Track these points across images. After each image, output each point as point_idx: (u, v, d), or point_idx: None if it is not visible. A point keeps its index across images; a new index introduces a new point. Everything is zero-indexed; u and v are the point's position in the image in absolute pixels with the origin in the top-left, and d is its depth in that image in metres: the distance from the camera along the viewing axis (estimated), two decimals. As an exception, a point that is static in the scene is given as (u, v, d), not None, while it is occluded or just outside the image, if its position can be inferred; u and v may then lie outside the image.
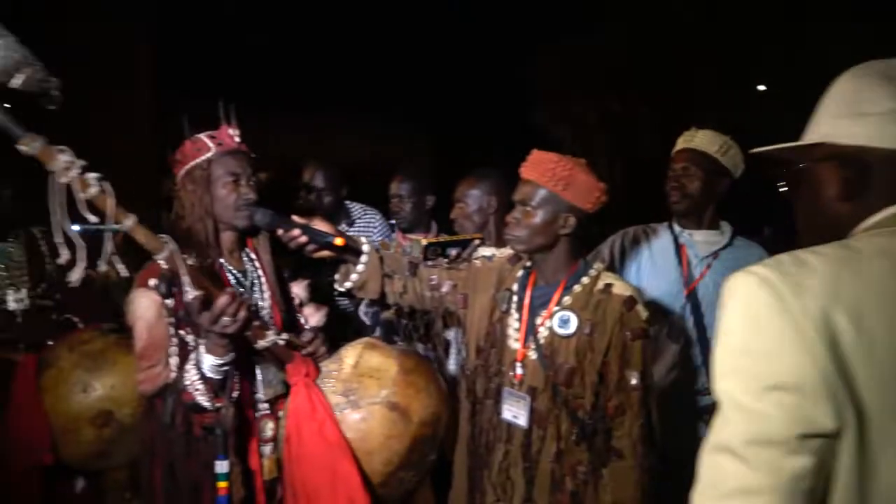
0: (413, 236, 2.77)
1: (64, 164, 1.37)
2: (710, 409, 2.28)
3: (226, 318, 1.52)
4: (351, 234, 2.15)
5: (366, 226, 3.07)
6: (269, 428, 1.82)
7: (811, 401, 0.81)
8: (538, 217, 1.77)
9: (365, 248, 1.93)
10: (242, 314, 1.55)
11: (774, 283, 0.86)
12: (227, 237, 1.84)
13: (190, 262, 1.63)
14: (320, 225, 1.85)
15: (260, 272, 1.89)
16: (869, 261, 0.87)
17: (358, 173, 3.17)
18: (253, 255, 1.90)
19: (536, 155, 1.81)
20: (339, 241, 1.82)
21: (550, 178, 1.74)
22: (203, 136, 1.80)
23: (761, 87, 16.54)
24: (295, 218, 1.84)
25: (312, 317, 1.99)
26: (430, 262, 2.14)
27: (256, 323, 1.68)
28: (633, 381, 1.72)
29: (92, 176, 1.40)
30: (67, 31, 4.53)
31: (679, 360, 2.35)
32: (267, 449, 1.81)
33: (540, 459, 1.77)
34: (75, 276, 1.41)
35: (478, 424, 1.87)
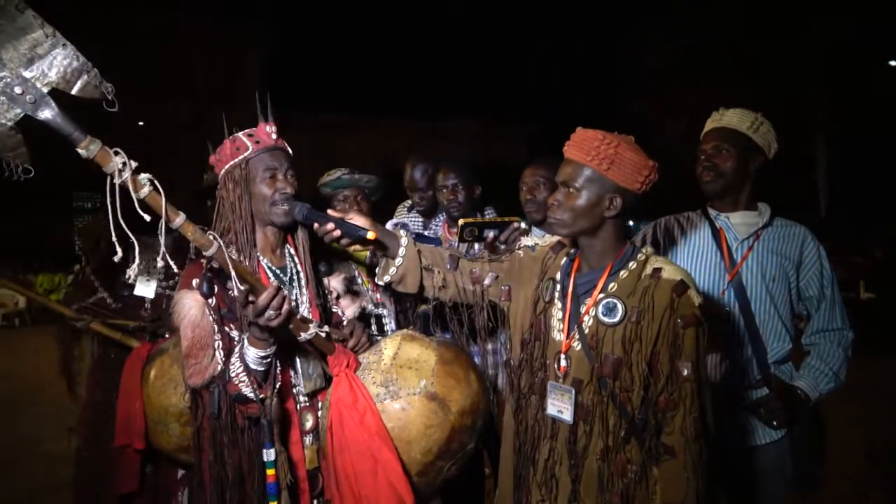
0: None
1: (118, 166, 1.42)
2: (761, 404, 2.10)
3: (270, 312, 1.55)
4: (390, 226, 2.13)
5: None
6: (309, 419, 1.84)
7: None
8: (582, 199, 1.66)
9: (403, 241, 1.90)
10: (286, 307, 1.58)
11: None
12: (269, 233, 1.87)
13: (214, 265, 1.68)
14: (356, 219, 1.85)
15: (299, 268, 1.91)
16: None
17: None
18: (293, 251, 1.92)
19: (580, 133, 1.69)
20: (371, 235, 1.80)
21: (595, 157, 1.63)
22: (241, 136, 1.83)
23: (893, 63, 15.30)
24: (330, 212, 1.84)
25: (348, 309, 2.00)
26: (467, 245, 2.08)
27: (298, 316, 1.70)
28: (686, 373, 1.58)
29: (144, 176, 1.45)
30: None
31: (727, 352, 2.17)
32: (308, 440, 1.84)
33: (587, 456, 1.66)
34: (130, 274, 1.47)
35: (523, 421, 1.79)
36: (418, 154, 3.15)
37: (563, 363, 1.71)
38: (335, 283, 2.01)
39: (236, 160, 1.81)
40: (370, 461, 1.64)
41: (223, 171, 1.84)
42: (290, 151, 1.90)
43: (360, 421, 1.65)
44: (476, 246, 2.21)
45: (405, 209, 3.27)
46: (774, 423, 2.11)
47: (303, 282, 1.90)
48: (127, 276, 1.54)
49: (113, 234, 1.39)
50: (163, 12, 22.41)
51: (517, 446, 1.80)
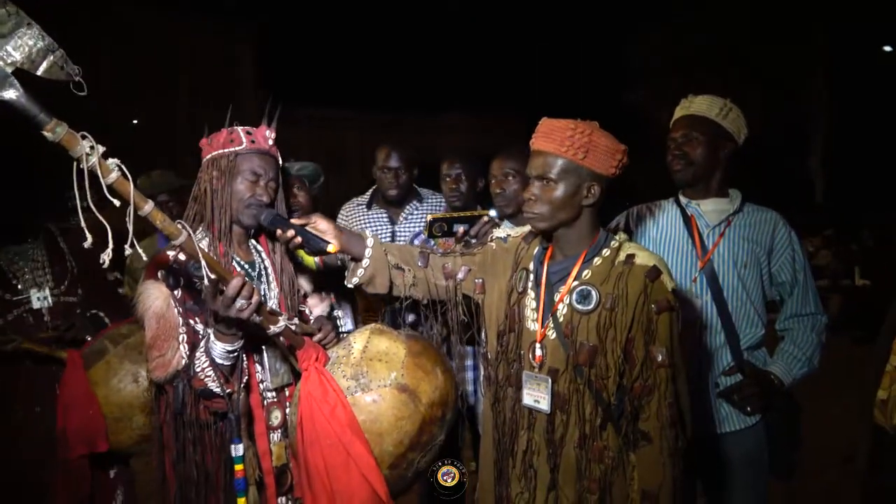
0: None
1: (86, 150, 1.37)
2: (735, 390, 2.10)
3: (241, 301, 1.52)
4: (356, 229, 2.12)
5: (430, 208, 3.11)
6: (277, 416, 1.82)
7: None
8: (559, 190, 1.64)
9: (368, 241, 1.88)
10: (256, 298, 1.55)
11: None
12: (235, 230, 1.85)
13: (181, 257, 1.66)
14: (320, 223, 1.83)
15: (267, 263, 1.89)
16: None
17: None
18: (260, 248, 1.91)
19: (548, 123, 1.67)
20: (332, 249, 1.79)
21: (570, 147, 1.61)
22: (240, 130, 1.82)
23: (888, 49, 15.28)
24: (294, 221, 1.83)
25: (316, 308, 1.99)
26: (435, 239, 2.07)
27: (267, 308, 1.67)
28: (660, 358, 1.58)
29: (112, 161, 1.41)
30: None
31: (700, 338, 2.17)
32: (275, 436, 1.82)
33: (564, 445, 1.66)
34: (105, 258, 1.41)
35: (500, 413, 1.78)
36: (392, 139, 3.14)
37: (538, 352, 1.70)
38: (302, 281, 2.00)
39: (227, 150, 1.80)
40: (342, 454, 1.63)
41: (210, 156, 1.82)
42: (280, 162, 1.89)
43: (330, 414, 1.63)
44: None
45: (360, 206, 3.14)
46: (748, 408, 2.11)
47: (271, 277, 1.88)
48: (101, 261, 1.48)
49: (81, 221, 1.35)
50: (157, 10, 22.25)
51: (496, 439, 1.79)
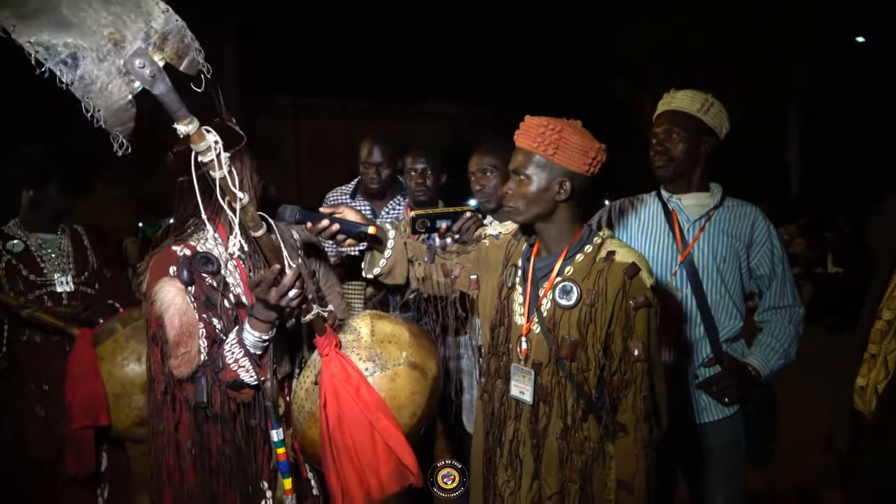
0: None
1: (211, 144, 1.43)
2: (713, 381, 2.16)
3: (294, 291, 1.58)
4: (379, 222, 2.15)
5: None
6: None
7: None
8: (532, 185, 1.70)
9: (391, 233, 1.93)
10: (306, 287, 1.61)
11: None
12: None
13: (186, 252, 1.72)
14: (349, 213, 1.87)
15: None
16: None
17: (450, 155, 3.20)
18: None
19: (527, 120, 1.73)
20: (372, 230, 1.84)
21: (540, 143, 1.67)
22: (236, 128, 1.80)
23: (860, 39, 15.52)
24: (323, 210, 1.86)
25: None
26: (418, 236, 2.11)
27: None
28: (637, 353, 1.64)
29: (225, 156, 1.47)
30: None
31: (678, 330, 2.22)
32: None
33: (547, 436, 1.72)
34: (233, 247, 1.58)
35: (490, 404, 1.84)
36: (375, 133, 3.16)
37: (524, 346, 1.76)
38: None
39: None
40: (368, 430, 1.70)
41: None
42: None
43: (356, 394, 1.71)
44: (435, 237, 2.23)
45: (345, 195, 3.18)
46: (726, 399, 2.17)
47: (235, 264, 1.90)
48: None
49: (202, 209, 1.51)
50: None
51: (486, 429, 1.85)
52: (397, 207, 3.09)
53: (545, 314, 1.73)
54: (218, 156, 1.45)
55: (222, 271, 1.74)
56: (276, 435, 1.74)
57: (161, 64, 1.34)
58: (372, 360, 1.78)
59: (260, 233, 1.57)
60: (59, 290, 2.65)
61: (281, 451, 1.75)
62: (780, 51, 15.92)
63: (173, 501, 1.77)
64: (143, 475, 1.96)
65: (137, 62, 1.31)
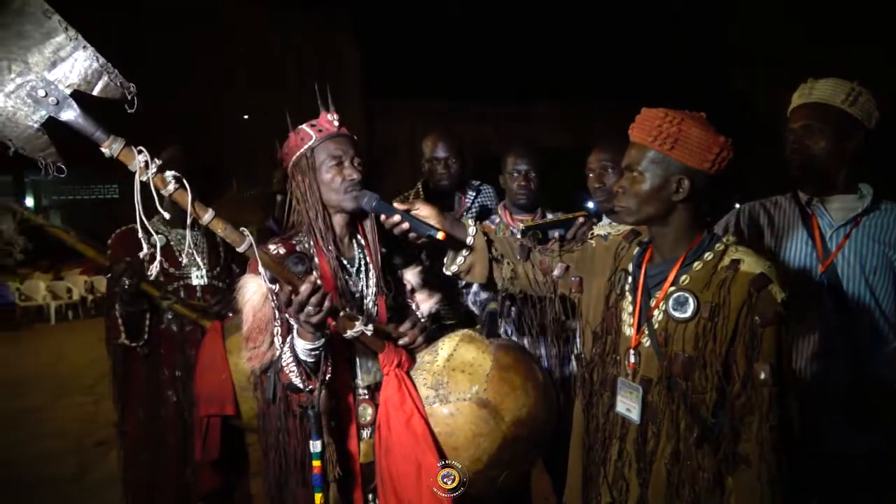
0: (520, 217, 2.63)
1: (141, 164, 1.47)
2: (860, 410, 1.90)
3: (309, 308, 1.55)
4: (463, 219, 2.08)
5: (485, 199, 3.07)
6: (368, 413, 1.84)
7: None
8: (646, 183, 1.55)
9: (471, 230, 1.87)
10: (327, 304, 1.56)
11: None
12: (338, 221, 1.88)
13: (280, 251, 1.75)
14: (423, 209, 1.82)
15: (368, 259, 1.89)
16: None
17: (556, 157, 3.11)
18: (363, 242, 1.92)
19: (643, 112, 1.58)
20: (440, 236, 1.77)
21: (657, 137, 1.52)
22: (304, 126, 1.85)
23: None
24: (397, 205, 1.82)
25: (424, 303, 1.97)
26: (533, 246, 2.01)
27: (343, 313, 1.68)
28: (763, 376, 1.43)
29: (169, 174, 1.49)
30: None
31: (820, 349, 1.97)
32: (365, 433, 1.83)
33: (655, 460, 1.56)
34: (153, 270, 1.54)
35: (593, 418, 1.71)
36: (438, 129, 3.07)
37: (632, 359, 1.61)
38: (410, 275, 1.98)
39: (301, 150, 1.83)
40: (414, 465, 1.62)
41: (290, 163, 1.86)
42: (356, 138, 1.90)
43: (406, 423, 1.64)
44: None
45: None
46: (872, 428, 1.91)
47: (371, 273, 1.88)
48: (150, 273, 1.59)
49: (139, 231, 1.47)
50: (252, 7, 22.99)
51: (587, 445, 1.72)
52: (468, 203, 2.98)
53: (656, 326, 1.57)
54: (160, 175, 1.46)
55: (314, 274, 1.74)
56: (313, 446, 1.69)
57: (68, 91, 1.40)
58: (436, 388, 1.66)
59: (242, 248, 1.56)
60: (194, 283, 2.82)
61: (316, 463, 1.69)
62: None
63: (264, 491, 1.84)
64: (259, 462, 2.02)
65: (40, 91, 1.39)
